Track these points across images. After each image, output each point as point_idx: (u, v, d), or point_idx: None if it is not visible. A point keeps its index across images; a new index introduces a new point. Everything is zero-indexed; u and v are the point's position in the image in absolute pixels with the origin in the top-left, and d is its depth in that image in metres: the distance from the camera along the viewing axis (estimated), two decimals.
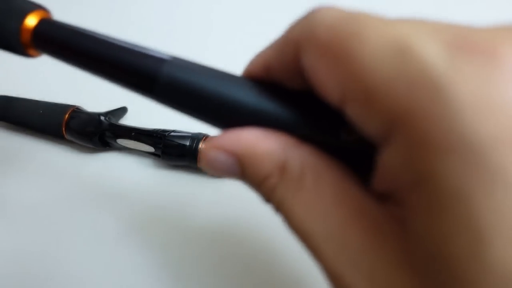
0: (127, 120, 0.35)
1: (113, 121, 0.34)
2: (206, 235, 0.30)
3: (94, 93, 0.36)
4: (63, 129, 0.35)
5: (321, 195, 0.14)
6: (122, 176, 0.34)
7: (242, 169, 0.15)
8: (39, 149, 0.36)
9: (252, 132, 0.15)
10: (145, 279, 0.28)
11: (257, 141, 0.15)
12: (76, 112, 0.35)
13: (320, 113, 0.15)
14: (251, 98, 0.15)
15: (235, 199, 0.32)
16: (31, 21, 0.19)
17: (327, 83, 0.13)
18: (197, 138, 0.33)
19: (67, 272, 0.29)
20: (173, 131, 0.33)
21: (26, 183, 0.34)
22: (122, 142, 0.35)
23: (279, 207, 0.15)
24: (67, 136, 0.35)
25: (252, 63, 0.17)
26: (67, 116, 0.35)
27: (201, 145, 0.32)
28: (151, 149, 0.34)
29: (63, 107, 0.36)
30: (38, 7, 0.19)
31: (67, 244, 0.30)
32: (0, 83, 0.39)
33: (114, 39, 0.17)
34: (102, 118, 0.34)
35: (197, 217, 0.31)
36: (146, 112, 0.33)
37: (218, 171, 0.16)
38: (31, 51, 0.19)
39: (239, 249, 0.29)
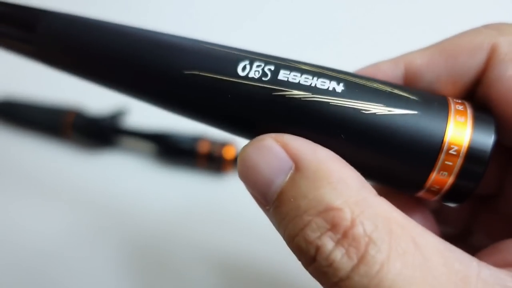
0: (128, 121, 0.35)
1: (114, 121, 0.34)
2: (206, 234, 0.30)
3: (95, 93, 0.36)
4: (65, 129, 0.35)
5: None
6: (122, 176, 0.34)
7: (296, 180, 0.13)
8: (39, 149, 0.36)
9: (329, 152, 0.13)
10: (145, 279, 0.28)
11: (335, 164, 0.13)
12: (77, 112, 0.35)
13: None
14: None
15: (234, 199, 0.32)
16: None
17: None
18: (197, 139, 0.33)
19: (65, 273, 0.29)
20: (173, 132, 0.33)
21: (26, 183, 0.34)
22: (122, 142, 0.35)
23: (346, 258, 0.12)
24: (68, 137, 0.35)
25: (387, 64, 0.16)
26: (69, 116, 0.35)
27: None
28: (151, 149, 0.34)
29: (64, 107, 0.36)
30: None
31: (66, 243, 0.30)
32: (1, 83, 0.39)
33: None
34: (103, 118, 0.34)
35: (197, 216, 0.31)
36: (147, 113, 0.33)
37: (257, 166, 0.14)
38: None
39: (239, 249, 0.29)
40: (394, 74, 0.16)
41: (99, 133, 0.34)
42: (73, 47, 0.17)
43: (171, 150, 0.33)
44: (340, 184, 0.12)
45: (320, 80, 0.14)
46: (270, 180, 0.13)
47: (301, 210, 0.12)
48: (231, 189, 0.33)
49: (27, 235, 0.31)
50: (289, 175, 0.13)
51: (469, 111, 0.14)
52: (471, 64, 0.15)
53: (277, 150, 0.13)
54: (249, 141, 0.14)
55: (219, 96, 0.14)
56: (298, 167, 0.13)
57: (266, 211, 0.14)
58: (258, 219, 0.31)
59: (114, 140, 0.35)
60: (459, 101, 0.14)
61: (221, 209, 0.32)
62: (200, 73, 0.14)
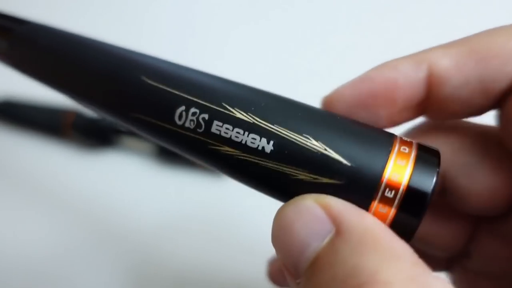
0: None
1: (114, 121, 0.34)
2: (205, 234, 0.30)
3: None
4: (65, 129, 0.35)
5: None
6: (122, 176, 0.34)
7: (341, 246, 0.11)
8: (39, 150, 0.36)
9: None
10: (143, 278, 0.28)
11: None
12: (77, 112, 0.35)
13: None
14: None
15: (234, 199, 0.32)
16: None
17: None
18: None
19: (65, 272, 0.29)
20: None
21: (25, 183, 0.34)
22: (122, 142, 0.35)
23: None
24: (68, 137, 0.35)
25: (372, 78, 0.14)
26: (69, 116, 0.35)
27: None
28: (151, 149, 0.34)
29: (64, 107, 0.36)
30: None
31: (65, 243, 0.30)
32: (1, 83, 0.39)
33: None
34: (103, 118, 0.34)
35: (196, 217, 0.31)
36: None
37: (297, 232, 0.12)
38: None
39: (238, 250, 0.29)
40: (416, 77, 0.14)
41: (99, 133, 0.34)
42: (41, 56, 0.17)
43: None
44: (389, 254, 0.10)
45: (251, 136, 0.13)
46: (305, 244, 0.12)
47: (338, 280, 0.10)
48: (231, 190, 0.33)
49: (26, 235, 0.31)
50: (327, 239, 0.11)
51: (404, 179, 0.12)
52: (505, 71, 0.13)
53: (317, 211, 0.12)
54: (289, 200, 0.13)
55: (163, 140, 0.15)
56: (339, 230, 0.11)
57: (296, 285, 0.12)
58: (258, 220, 0.31)
59: (114, 140, 0.35)
60: (402, 163, 0.13)
61: (221, 209, 0.32)
62: (142, 117, 0.15)
